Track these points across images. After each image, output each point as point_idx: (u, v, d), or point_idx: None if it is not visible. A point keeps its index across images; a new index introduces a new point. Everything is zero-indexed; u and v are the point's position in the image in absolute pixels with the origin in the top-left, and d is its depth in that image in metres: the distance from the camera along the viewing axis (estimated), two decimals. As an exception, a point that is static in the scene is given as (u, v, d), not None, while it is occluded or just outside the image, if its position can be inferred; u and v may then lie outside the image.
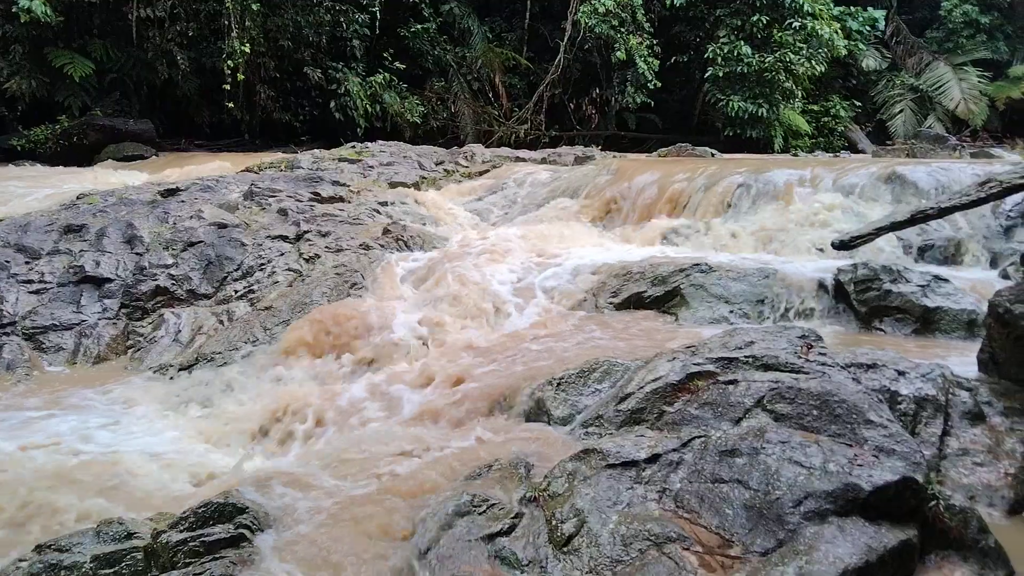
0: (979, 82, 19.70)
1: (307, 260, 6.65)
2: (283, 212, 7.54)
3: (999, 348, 3.96)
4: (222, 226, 7.12)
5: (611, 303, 5.96)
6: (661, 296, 5.84)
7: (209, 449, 4.30)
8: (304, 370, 4.92)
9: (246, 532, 2.86)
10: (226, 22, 15.44)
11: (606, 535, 2.80)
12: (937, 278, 5.27)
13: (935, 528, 2.78)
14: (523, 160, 11.77)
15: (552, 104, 18.67)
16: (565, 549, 2.81)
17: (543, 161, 11.76)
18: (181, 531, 2.86)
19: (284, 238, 7.04)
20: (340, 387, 4.62)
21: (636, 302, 5.91)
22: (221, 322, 6.09)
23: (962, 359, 4.28)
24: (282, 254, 6.77)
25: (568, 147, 13.89)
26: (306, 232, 7.11)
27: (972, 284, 5.33)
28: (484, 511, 3.02)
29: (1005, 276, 5.49)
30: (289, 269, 6.56)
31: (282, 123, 17.64)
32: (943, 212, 6.10)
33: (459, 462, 3.61)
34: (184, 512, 2.98)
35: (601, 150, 13.94)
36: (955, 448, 3.48)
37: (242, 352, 5.39)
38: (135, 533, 2.90)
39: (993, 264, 6.01)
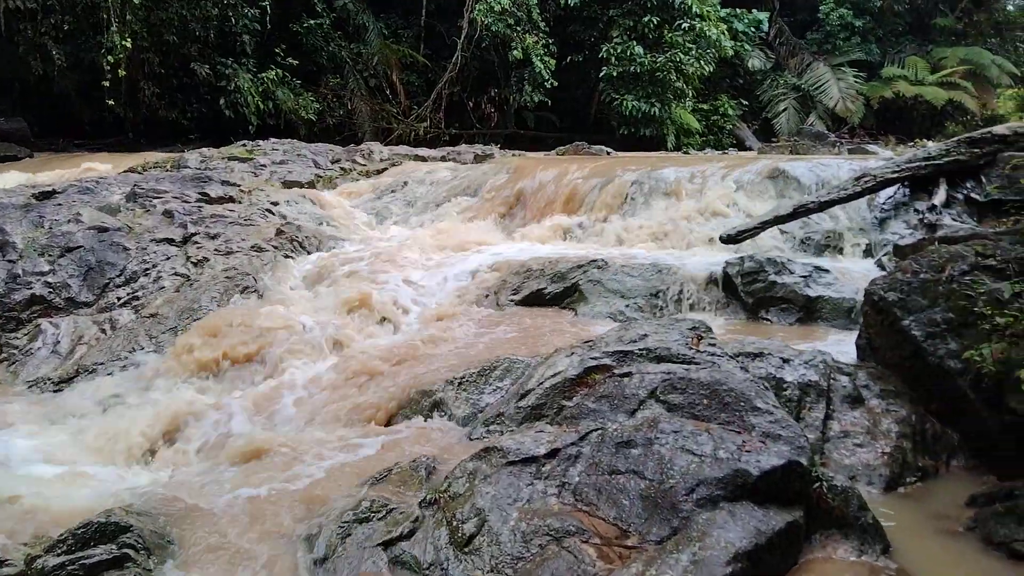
0: (855, 82, 20.83)
1: (195, 264, 6.37)
2: (169, 214, 7.21)
3: (875, 334, 4.19)
4: (103, 230, 6.74)
5: (512, 300, 5.99)
6: (560, 292, 5.91)
7: (93, 465, 4.05)
8: (194, 379, 4.72)
9: (131, 552, 2.72)
10: (105, 15, 14.62)
11: (507, 533, 2.81)
12: (818, 269, 5.53)
13: (819, 508, 2.92)
14: (422, 158, 11.67)
15: (451, 102, 18.59)
16: (466, 549, 2.80)
17: (443, 159, 11.69)
18: (58, 555, 2.70)
19: (170, 241, 6.73)
20: (233, 395, 4.45)
21: (536, 299, 5.96)
22: (103, 331, 5.77)
23: (842, 345, 4.51)
24: (168, 258, 6.46)
25: (468, 145, 13.86)
26: (194, 234, 6.82)
27: (851, 274, 5.62)
28: (383, 516, 2.98)
29: (880, 266, 5.81)
30: (176, 273, 6.27)
31: (169, 121, 16.86)
32: (823, 206, 6.45)
33: (359, 466, 3.54)
34: (62, 534, 2.81)
35: (501, 148, 13.97)
36: (837, 431, 3.67)
37: (127, 362, 5.12)
38: (5, 560, 2.71)
39: (870, 254, 6.36)
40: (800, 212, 6.35)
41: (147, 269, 6.28)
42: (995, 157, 6.30)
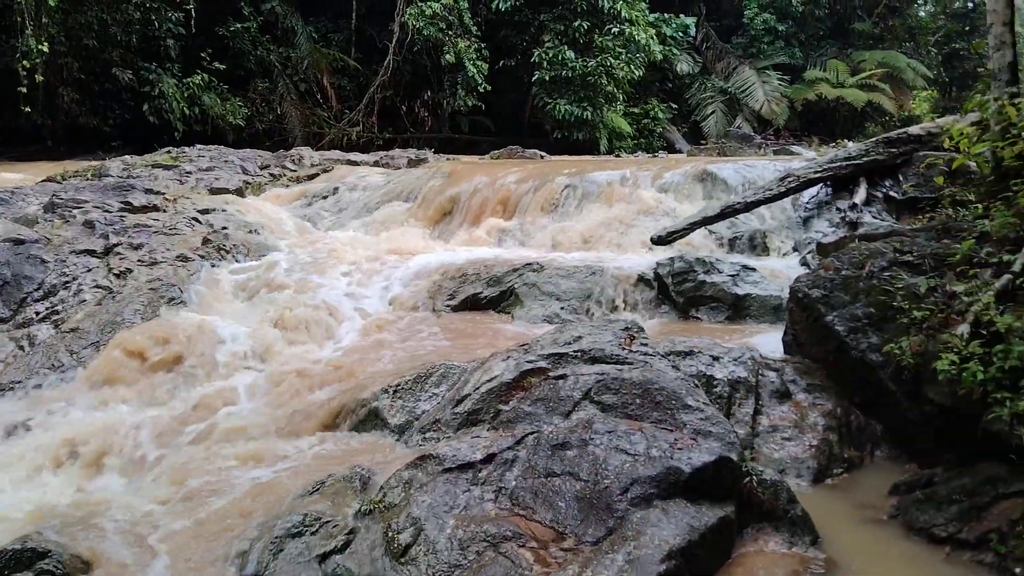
0: (780, 84, 21.46)
1: (117, 275, 6.14)
2: (90, 224, 6.94)
3: (800, 330, 4.31)
4: (19, 242, 6.44)
5: (448, 305, 5.96)
6: (496, 296, 5.91)
7: (10, 487, 3.86)
8: (117, 395, 4.53)
9: (49, 579, 2.60)
10: (19, 18, 14.03)
11: (443, 541, 2.78)
12: (746, 267, 5.67)
13: (751, 503, 2.98)
14: (355, 163, 11.54)
15: (384, 106, 18.44)
16: (402, 560, 2.77)
17: (376, 164, 11.58)
18: (-31, 586, 2.56)
19: (91, 252, 6.47)
20: (158, 410, 4.31)
21: (472, 303, 5.95)
22: (21, 348, 5.50)
23: (770, 342, 4.63)
24: (89, 270, 6.21)
25: (402, 150, 13.75)
26: (116, 245, 6.58)
27: (777, 272, 5.77)
28: (317, 530, 2.92)
29: (804, 264, 5.98)
30: (97, 286, 6.03)
31: (90, 128, 16.27)
32: (749, 206, 6.61)
33: (291, 479, 3.47)
34: (-26, 564, 2.67)
35: (435, 153, 13.92)
36: (766, 425, 3.76)
37: (46, 380, 4.90)
38: (-88, 594, 2.56)
39: (795, 253, 6.54)
40: (728, 212, 6.50)
41: (67, 282, 6.02)
42: (911, 156, 6.57)
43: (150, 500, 3.38)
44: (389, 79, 18.00)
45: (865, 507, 3.29)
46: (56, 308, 5.79)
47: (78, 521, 3.09)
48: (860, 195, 6.56)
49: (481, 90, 17.61)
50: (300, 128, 17.88)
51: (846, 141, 14.43)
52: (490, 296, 5.94)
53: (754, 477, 3.01)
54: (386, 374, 4.52)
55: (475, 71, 17.26)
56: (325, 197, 9.47)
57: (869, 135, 18.83)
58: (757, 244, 6.67)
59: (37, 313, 5.84)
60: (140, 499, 3.41)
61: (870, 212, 6.45)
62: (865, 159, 6.68)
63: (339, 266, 6.65)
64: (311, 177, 10.61)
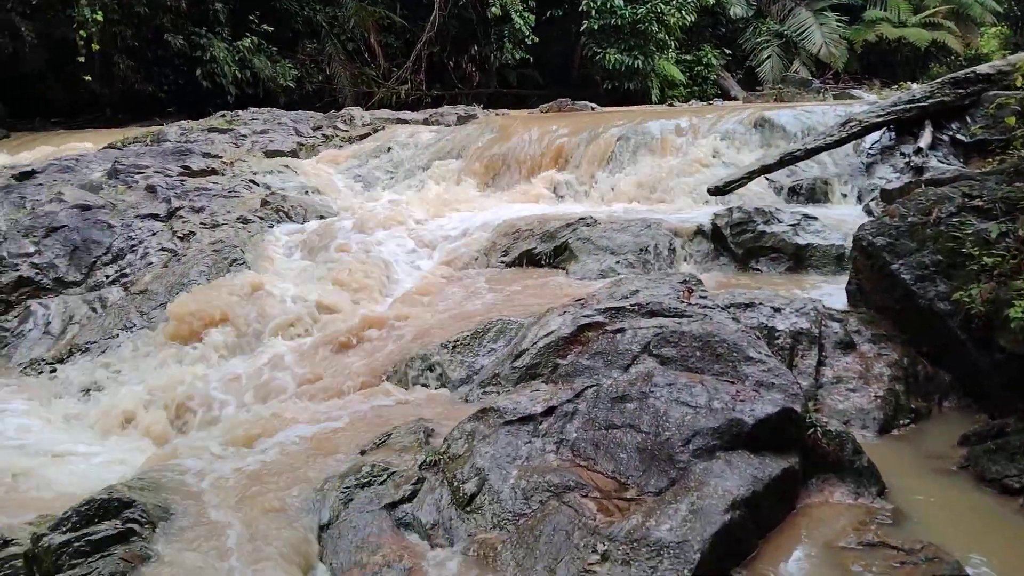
0: (838, 26, 20.64)
1: (181, 238, 6.32)
2: (152, 189, 7.12)
3: (865, 279, 4.21)
4: (86, 208, 6.66)
5: (502, 262, 5.98)
6: (550, 252, 5.90)
7: (91, 442, 4.06)
8: (187, 352, 4.70)
9: (135, 526, 2.73)
10: (73, -12, 14.28)
11: (507, 490, 2.84)
12: (807, 216, 5.54)
13: (815, 454, 2.96)
14: (405, 122, 11.54)
15: (432, 63, 18.33)
16: (468, 508, 2.83)
17: (426, 122, 11.56)
18: (64, 532, 2.71)
19: (155, 216, 6.66)
20: (227, 366, 4.46)
21: (527, 259, 5.95)
22: (94, 310, 5.74)
23: (833, 292, 4.54)
24: (154, 233, 6.40)
25: (450, 106, 13.69)
26: (178, 209, 6.75)
27: (839, 220, 5.63)
28: (385, 480, 3.00)
29: (868, 211, 5.82)
30: (163, 249, 6.22)
31: (146, 95, 16.56)
32: (810, 153, 6.44)
33: (357, 432, 3.56)
34: (66, 512, 2.82)
35: (484, 108, 13.81)
36: (830, 377, 3.70)
37: (119, 339, 5.10)
38: (12, 540, 2.72)
39: (857, 200, 6.37)
40: (787, 160, 6.34)
41: (133, 246, 6.22)
42: (979, 97, 6.29)
43: (222, 452, 3.51)
44: (435, 35, 17.84)
45: (933, 458, 3.24)
46: (124, 271, 6.00)
47: (156, 472, 3.23)
48: (925, 139, 6.33)
49: (528, 42, 17.35)
50: (349, 88, 17.91)
51: (909, 83, 13.87)
52: (544, 252, 5.93)
53: (818, 428, 2.98)
54: (443, 330, 4.57)
55: (522, 23, 17.00)
56: (377, 157, 9.51)
57: (934, 76, 18.07)
58: (818, 192, 6.50)
59: (107, 276, 6.06)
60: (212, 451, 3.54)
61: (936, 156, 6.23)
62: (930, 101, 6.43)
63: (393, 225, 6.71)
64: (362, 137, 10.65)
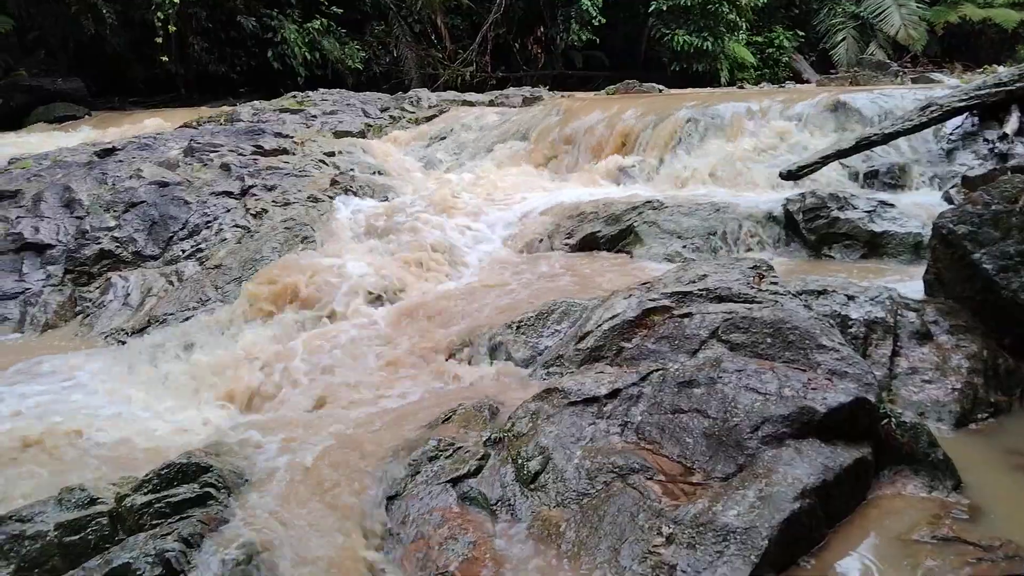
0: (918, 7, 19.85)
1: (254, 215, 6.49)
2: (226, 167, 7.33)
3: (944, 268, 4.07)
4: (163, 184, 6.90)
5: (566, 244, 5.96)
6: (615, 235, 5.86)
7: (169, 410, 4.23)
8: (260, 326, 4.84)
9: (212, 491, 2.84)
10: (151, -29, 14.72)
11: (571, 470, 2.85)
12: (883, 203, 5.37)
13: (888, 445, 2.89)
14: (470, 103, 11.59)
15: (497, 44, 18.34)
16: (532, 486, 2.86)
17: (491, 104, 11.59)
18: (145, 494, 2.83)
19: (229, 194, 6.85)
20: (298, 342, 4.57)
21: (591, 242, 5.93)
22: (171, 283, 5.95)
23: (909, 281, 4.40)
24: (228, 210, 6.60)
25: (516, 88, 13.67)
26: (251, 187, 6.93)
27: (917, 208, 5.45)
28: (451, 455, 3.05)
29: (948, 199, 5.61)
30: (236, 225, 6.41)
31: (219, 75, 17.03)
32: (887, 138, 6.22)
33: (424, 409, 3.62)
34: (147, 475, 2.95)
35: (549, 90, 13.76)
36: (905, 367, 3.60)
37: (195, 312, 5.29)
38: (98, 499, 2.85)
39: (936, 187, 6.14)
40: (863, 145, 6.15)
41: (208, 222, 6.43)
42: (1073, 80, 5.99)
43: (295, 420, 3.61)
44: (502, 16, 17.83)
45: (1013, 453, 3.12)
46: (200, 246, 6.20)
47: (231, 438, 3.34)
48: (1012, 124, 6.06)
49: (595, 23, 17.19)
50: (416, 70, 18.05)
51: (996, 66, 13.27)
52: (609, 235, 5.89)
53: (892, 419, 2.91)
54: (507, 310, 4.60)
55: (589, 3, 16.85)
56: (443, 138, 9.58)
57: (1021, 59, 17.25)
58: (895, 178, 6.29)
59: (183, 251, 6.27)
60: (286, 419, 3.65)
61: (1022, 143, 5.97)
62: (1018, 84, 6.14)
63: (458, 205, 6.76)
64: (428, 118, 10.74)
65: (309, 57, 16.74)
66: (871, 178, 6.37)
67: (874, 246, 5.13)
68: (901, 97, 7.26)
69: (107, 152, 7.97)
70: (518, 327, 4.29)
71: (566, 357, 3.82)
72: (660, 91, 11.60)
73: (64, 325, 5.81)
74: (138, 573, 2.43)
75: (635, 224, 5.79)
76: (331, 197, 6.78)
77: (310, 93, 11.94)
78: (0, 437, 3.74)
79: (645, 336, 3.57)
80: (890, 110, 6.95)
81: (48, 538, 2.68)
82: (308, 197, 6.72)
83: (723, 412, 2.85)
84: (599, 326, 3.78)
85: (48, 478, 3.37)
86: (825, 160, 6.05)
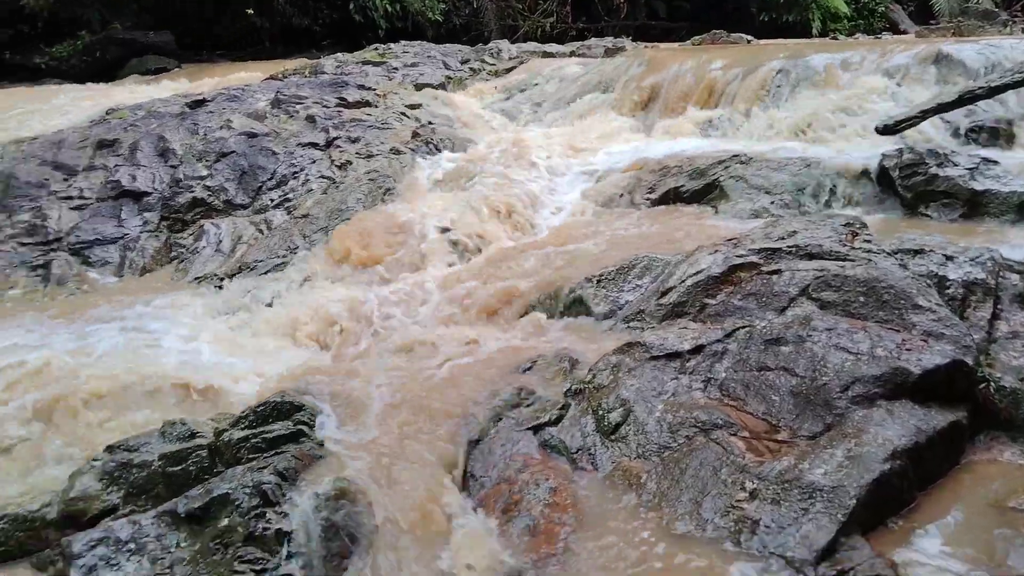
0: (1032, -50, 18.53)
1: (339, 167, 6.62)
2: (311, 119, 7.46)
3: (1051, 229, 3.86)
4: (252, 135, 7.08)
5: (648, 199, 5.87)
6: (700, 190, 5.74)
7: (261, 352, 4.40)
8: (346, 275, 4.97)
9: (304, 428, 2.97)
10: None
11: (652, 423, 2.86)
12: (986, 160, 5.09)
13: (985, 409, 2.80)
14: (551, 55, 11.41)
15: (578, -6, 18.01)
16: (612, 437, 2.88)
17: (572, 55, 11.38)
18: (242, 429, 2.98)
19: (314, 145, 6.99)
20: (383, 290, 4.68)
21: (674, 197, 5.81)
22: (260, 231, 6.14)
23: (1013, 242, 4.19)
24: (314, 161, 6.74)
25: (597, 39, 13.38)
26: (336, 138, 7.05)
27: (1023, 166, 5.15)
28: (532, 403, 3.10)
29: (1058, 156, 5.29)
30: (322, 176, 6.55)
31: (302, 28, 17.23)
32: (993, 92, 5.85)
33: (504, 358, 3.67)
34: (244, 411, 3.10)
35: (632, 41, 13.43)
36: (1005, 331, 3.44)
37: (284, 259, 5.46)
38: (198, 432, 3.02)
39: (1045, 144, 5.79)
40: (966, 99, 5.80)
41: (295, 172, 6.58)
42: None
43: (380, 366, 3.72)
44: (584, -35, 17.43)
45: (1119, 424, 2.98)
46: (288, 196, 6.37)
47: (321, 379, 3.47)
48: None
49: (681, -28, 16.65)
50: (495, 21, 17.88)
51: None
52: (693, 189, 5.77)
53: (991, 383, 2.81)
54: (588, 264, 4.58)
55: (675, -49, 16.30)
56: (523, 90, 9.49)
57: None
58: (1000, 135, 5.94)
59: (272, 200, 6.45)
60: (372, 364, 3.76)
61: None
62: None
63: (538, 159, 6.72)
64: (508, 71, 10.64)
65: (390, 9, 16.76)
66: (974, 134, 6.03)
67: (975, 205, 4.87)
68: (1011, 48, 6.81)
69: (198, 103, 8.20)
70: (598, 281, 4.28)
71: (647, 312, 3.80)
72: (748, 42, 11.18)
73: (160, 269, 6.08)
74: (237, 503, 2.57)
75: (720, 179, 5.65)
76: (412, 150, 6.83)
77: (391, 45, 11.96)
78: (97, 371, 3.93)
79: (731, 292, 3.52)
80: (998, 62, 6.54)
81: (153, 467, 2.86)
82: (390, 149, 6.79)
83: (811, 371, 2.80)
84: (682, 282, 3.75)
85: (150, 415, 3.57)
86: (925, 115, 5.75)
